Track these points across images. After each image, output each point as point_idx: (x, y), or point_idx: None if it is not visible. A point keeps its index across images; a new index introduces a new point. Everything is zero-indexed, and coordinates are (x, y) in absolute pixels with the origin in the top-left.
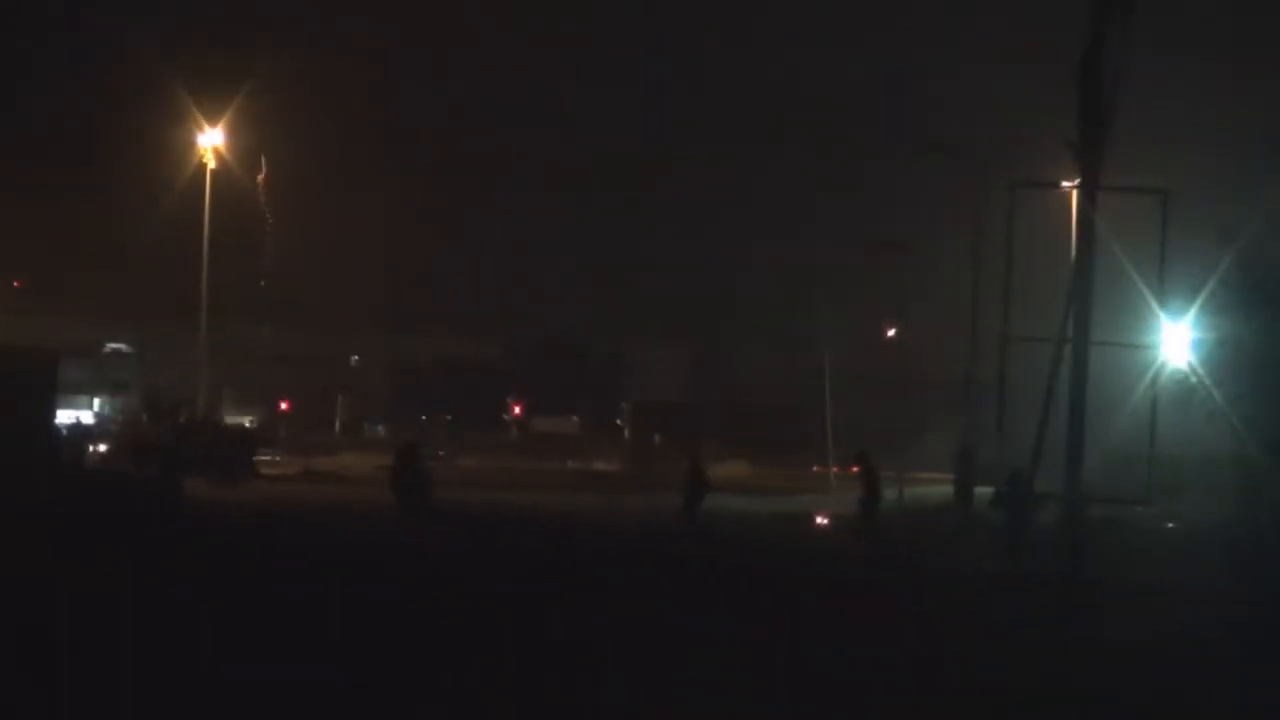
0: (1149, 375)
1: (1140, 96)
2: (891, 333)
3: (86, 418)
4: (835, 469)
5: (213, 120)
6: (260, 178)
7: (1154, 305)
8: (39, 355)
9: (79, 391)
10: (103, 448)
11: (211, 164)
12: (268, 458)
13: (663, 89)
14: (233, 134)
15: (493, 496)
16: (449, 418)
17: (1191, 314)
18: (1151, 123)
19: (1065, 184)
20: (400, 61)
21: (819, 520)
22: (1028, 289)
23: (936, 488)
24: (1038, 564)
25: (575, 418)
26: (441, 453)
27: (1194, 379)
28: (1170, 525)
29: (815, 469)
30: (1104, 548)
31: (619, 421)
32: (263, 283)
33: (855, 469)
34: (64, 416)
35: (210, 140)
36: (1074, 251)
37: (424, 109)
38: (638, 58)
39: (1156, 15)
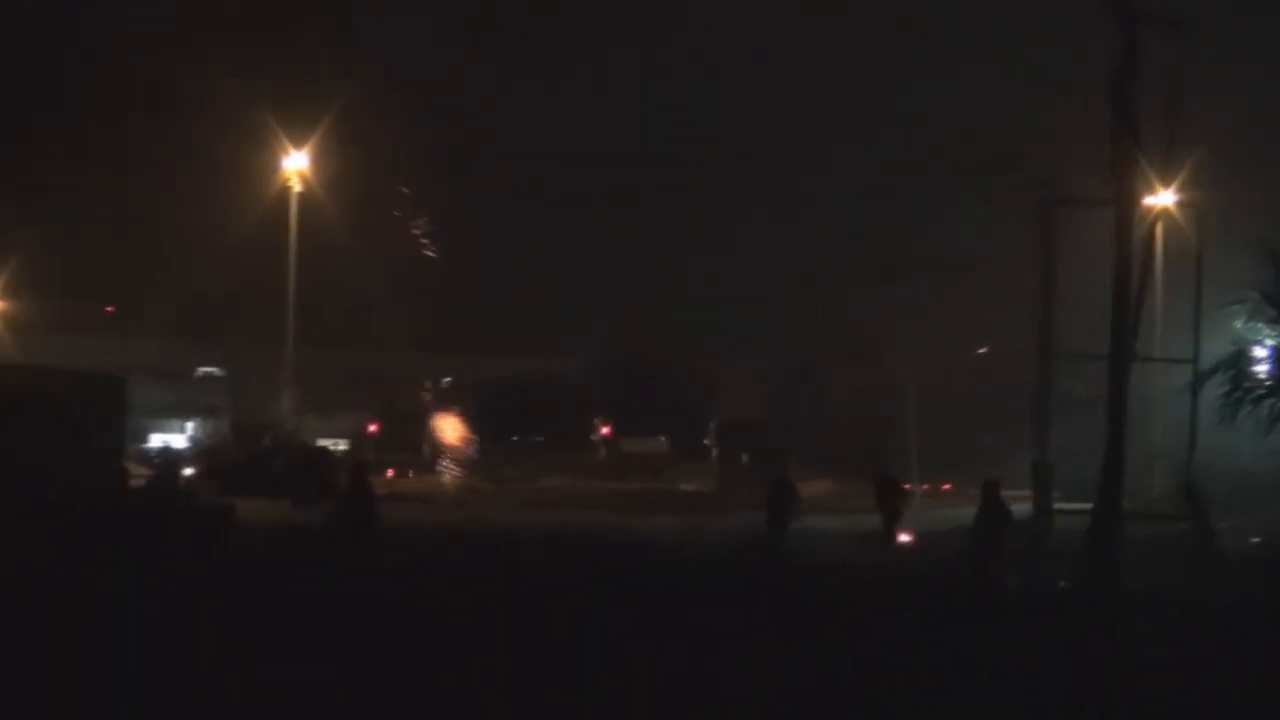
0: (1189, 388)
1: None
2: (981, 350)
3: (179, 441)
4: (925, 486)
5: (298, 144)
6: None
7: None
8: (105, 380)
9: (171, 415)
10: (188, 471)
11: (297, 187)
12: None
13: (720, 114)
14: (317, 157)
15: (559, 516)
16: (538, 439)
17: (1240, 325)
18: (1196, 133)
19: (1100, 200)
20: (490, 77)
21: (900, 538)
22: (1100, 304)
23: (1022, 505)
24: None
25: (663, 438)
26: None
27: (1239, 393)
28: (1256, 540)
29: (905, 487)
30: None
31: (706, 441)
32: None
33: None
34: (155, 441)
35: (295, 164)
36: (1115, 267)
37: (510, 125)
38: (702, 84)
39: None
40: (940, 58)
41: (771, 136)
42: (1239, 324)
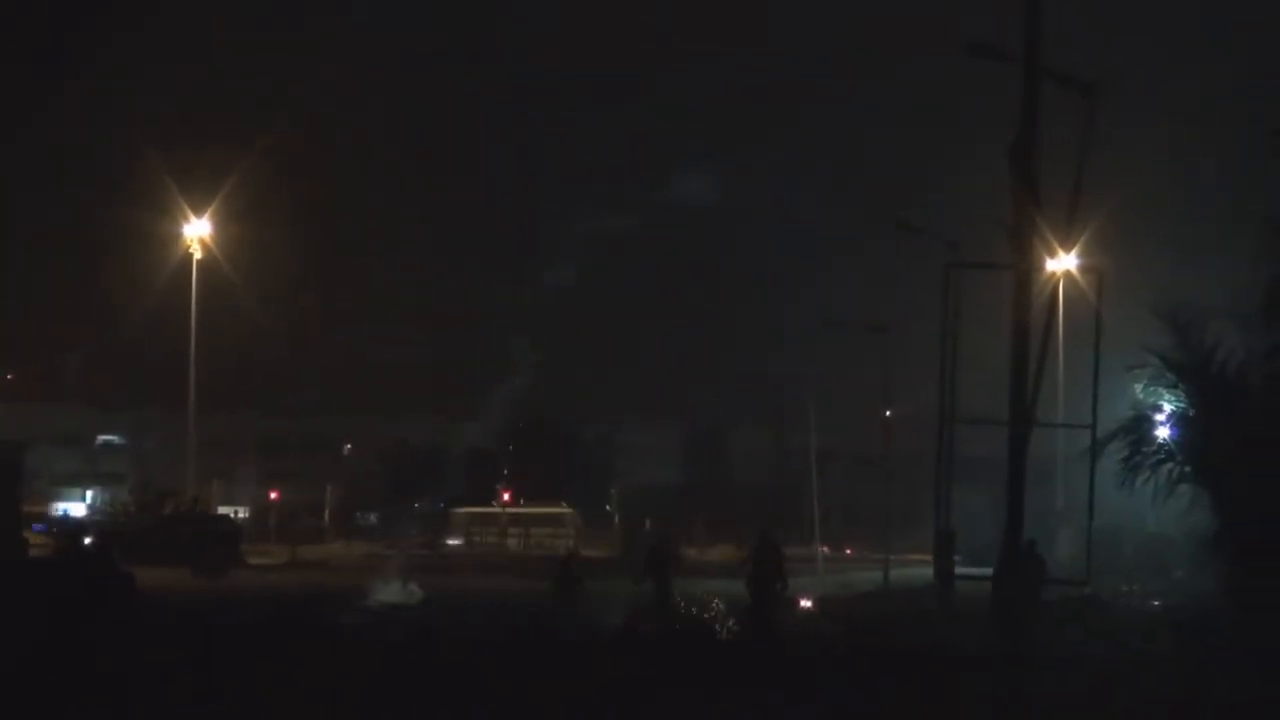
0: (1087, 453)
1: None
2: (888, 413)
3: (78, 510)
4: (825, 549)
5: (199, 210)
6: None
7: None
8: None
9: (72, 483)
10: (87, 540)
11: (197, 254)
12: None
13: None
14: (219, 224)
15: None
16: (440, 504)
17: (1138, 389)
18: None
19: (1003, 265)
20: (384, 145)
21: (802, 603)
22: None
23: (925, 570)
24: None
25: (564, 504)
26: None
27: (1138, 457)
28: (1155, 604)
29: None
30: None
31: (608, 507)
32: None
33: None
34: (56, 509)
35: (196, 230)
36: (1013, 332)
37: (407, 193)
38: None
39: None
40: (854, 118)
41: (684, 197)
42: (1139, 389)
